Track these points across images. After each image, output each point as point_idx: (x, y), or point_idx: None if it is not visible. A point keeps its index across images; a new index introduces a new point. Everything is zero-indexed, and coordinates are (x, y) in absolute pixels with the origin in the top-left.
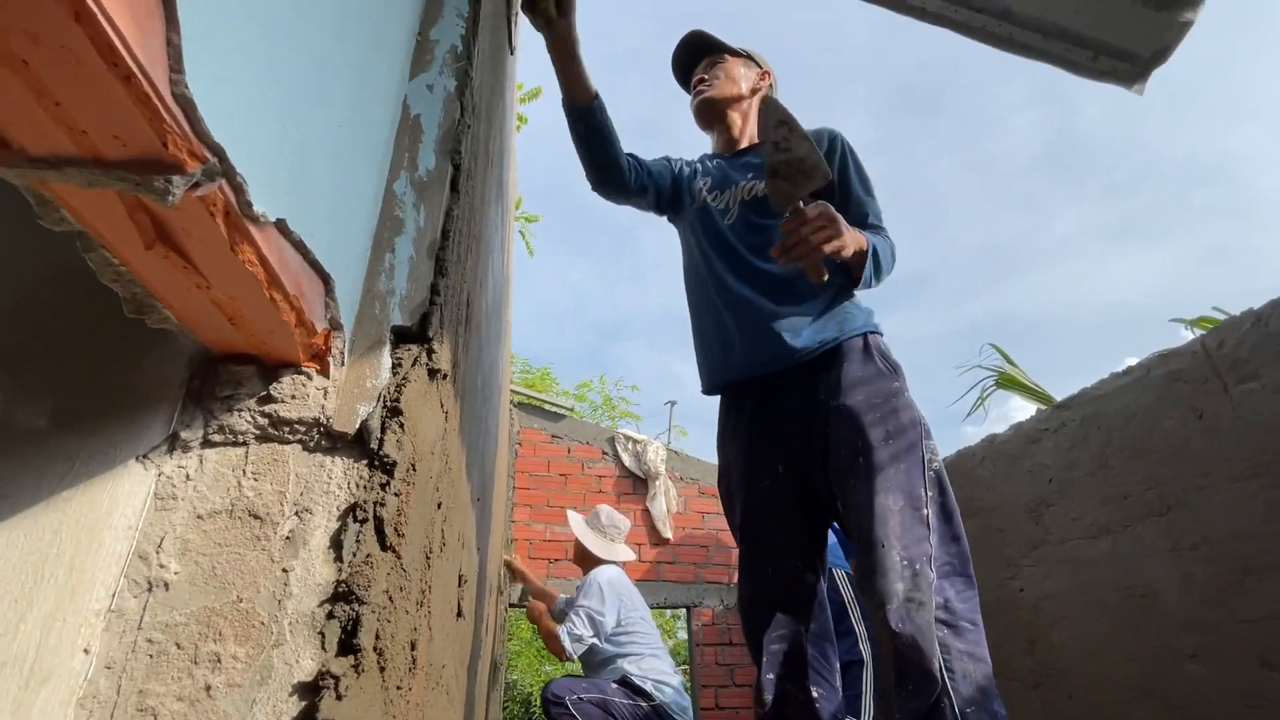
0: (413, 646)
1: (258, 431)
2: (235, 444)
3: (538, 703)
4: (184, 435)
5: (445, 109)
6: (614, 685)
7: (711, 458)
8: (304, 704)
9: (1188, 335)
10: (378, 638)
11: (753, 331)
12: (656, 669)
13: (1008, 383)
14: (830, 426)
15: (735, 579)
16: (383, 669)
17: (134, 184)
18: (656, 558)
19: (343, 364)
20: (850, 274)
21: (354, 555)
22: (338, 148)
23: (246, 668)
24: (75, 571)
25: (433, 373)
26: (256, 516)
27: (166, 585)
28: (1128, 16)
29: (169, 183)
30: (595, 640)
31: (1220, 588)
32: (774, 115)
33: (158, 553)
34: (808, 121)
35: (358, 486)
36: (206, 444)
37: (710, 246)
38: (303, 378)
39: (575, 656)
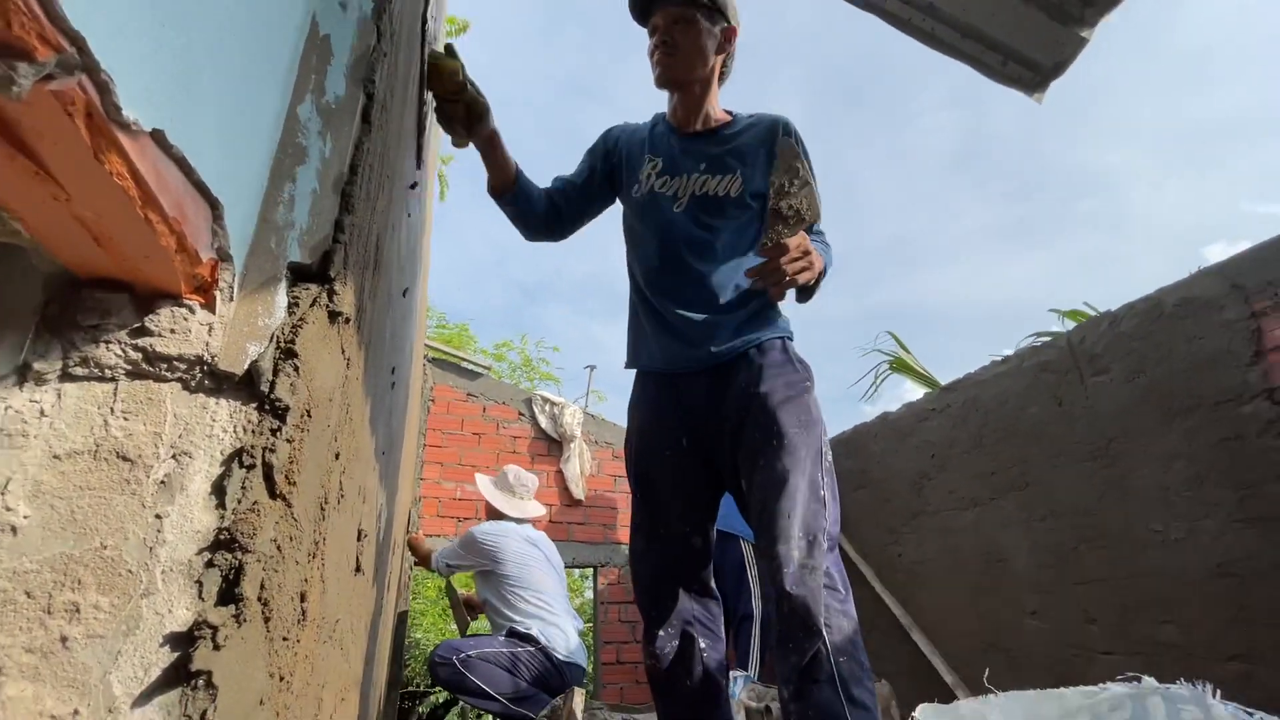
0: (303, 598)
1: (129, 367)
2: (101, 379)
3: None
4: (38, 366)
5: (359, 32)
6: (501, 639)
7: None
8: (176, 655)
9: (1057, 325)
10: (263, 588)
11: (679, 332)
12: (545, 615)
13: (900, 367)
14: (749, 412)
15: None
16: (267, 619)
17: None
18: (567, 518)
19: (231, 299)
20: (802, 290)
21: (239, 502)
22: (231, 59)
23: (110, 618)
24: None
25: (334, 315)
26: (126, 459)
27: (14, 530)
28: (1035, 27)
29: (13, 70)
30: (458, 569)
31: (1060, 555)
32: (786, 160)
33: (3, 495)
34: (747, 102)
35: (245, 431)
36: (66, 377)
37: (653, 234)
38: (184, 311)
39: (437, 572)
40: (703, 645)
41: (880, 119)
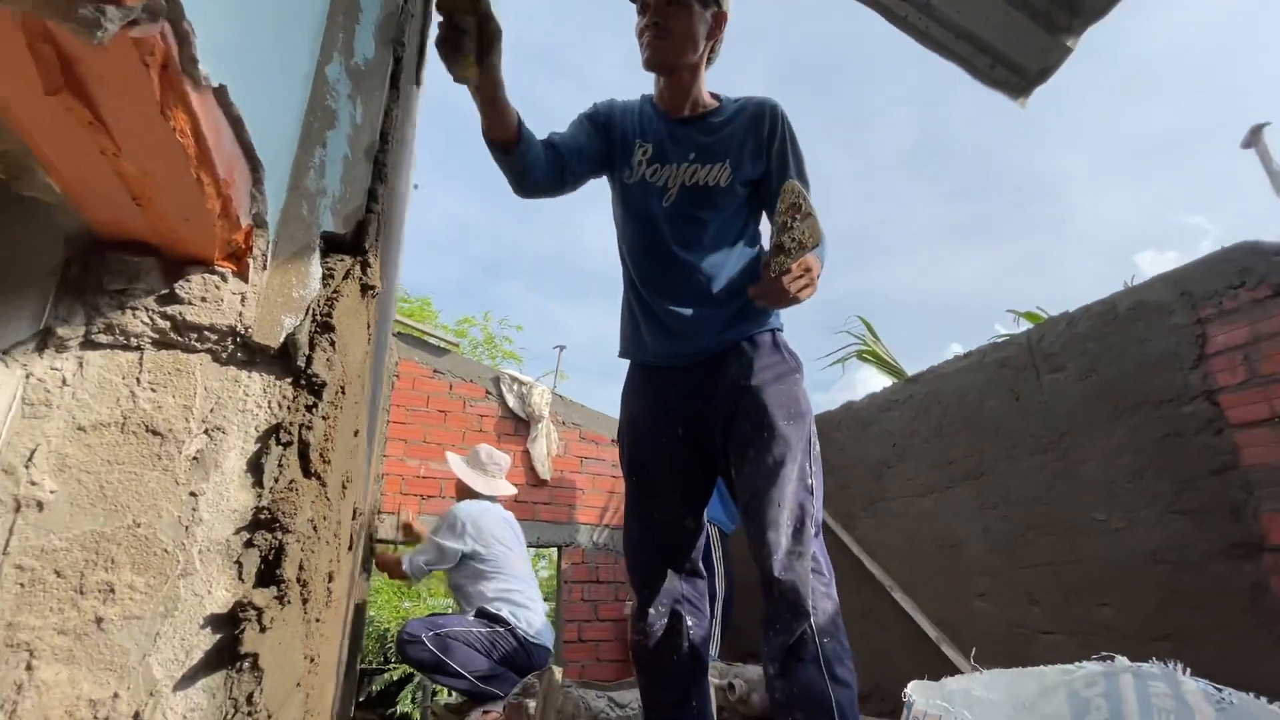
0: (330, 579)
1: (156, 335)
2: (126, 347)
3: (393, 638)
4: (60, 332)
5: None
6: (471, 617)
7: (594, 404)
8: (219, 636)
9: (1012, 325)
10: (301, 569)
11: (670, 327)
12: (517, 597)
13: (868, 355)
14: (740, 404)
15: (605, 520)
16: (305, 601)
17: (55, 8)
18: (533, 498)
19: (264, 268)
20: None
21: (276, 481)
22: (275, 15)
23: (147, 598)
24: None
25: (365, 289)
26: (156, 433)
27: (40, 505)
28: (1024, 34)
29: (100, 14)
30: (438, 567)
31: (1009, 540)
32: (789, 198)
33: (28, 467)
34: (712, 87)
35: (280, 406)
36: (89, 344)
37: (642, 225)
38: (216, 279)
39: (412, 576)
40: (690, 623)
41: (842, 112)
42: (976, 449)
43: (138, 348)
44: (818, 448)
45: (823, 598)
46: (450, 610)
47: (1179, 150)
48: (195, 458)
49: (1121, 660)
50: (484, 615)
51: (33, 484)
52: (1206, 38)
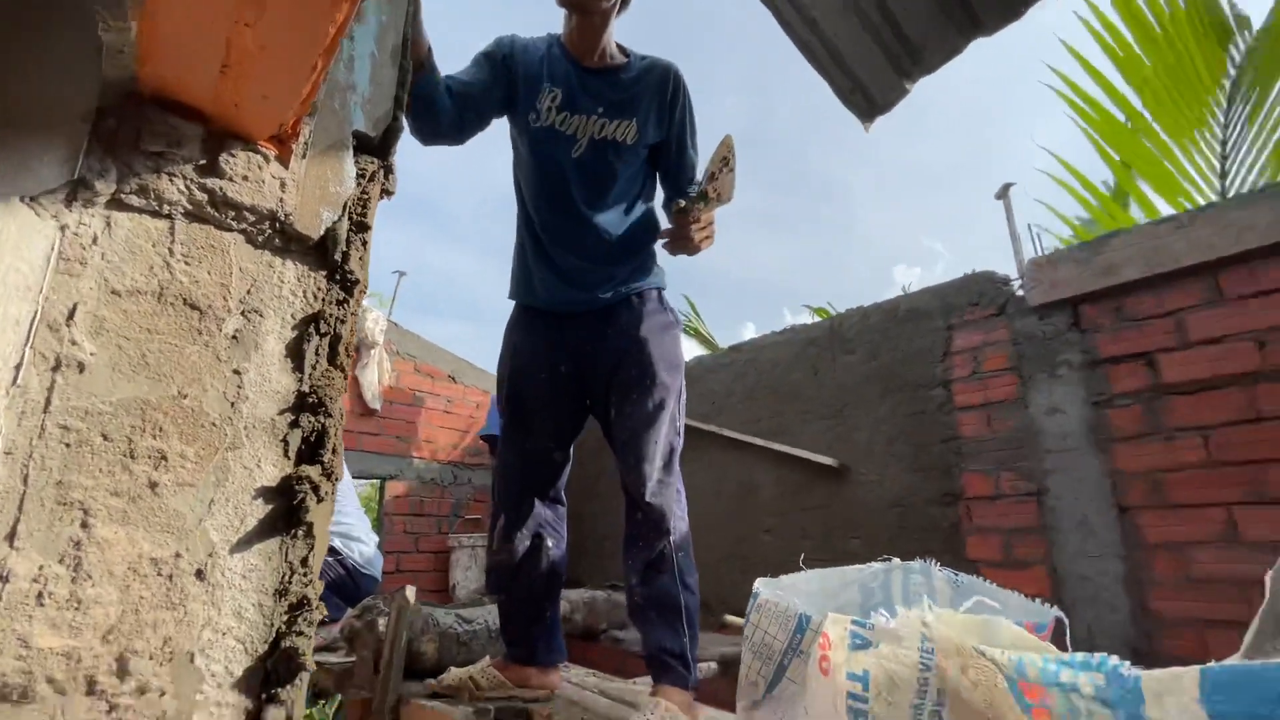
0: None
1: (190, 206)
2: (157, 214)
3: None
4: (97, 185)
5: None
6: None
7: (431, 336)
8: (271, 506)
9: (807, 315)
10: (334, 452)
11: (569, 277)
12: (347, 529)
13: (690, 330)
14: (628, 353)
15: (435, 455)
16: (336, 480)
17: None
18: (359, 428)
19: (304, 157)
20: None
21: (314, 367)
22: None
23: (198, 468)
24: None
25: (385, 194)
26: (194, 307)
27: (81, 366)
28: (879, 69)
29: None
30: None
31: (796, 487)
32: (722, 151)
33: (68, 326)
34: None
35: (314, 297)
36: (117, 204)
37: (547, 173)
38: (259, 159)
39: None
40: (550, 544)
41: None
42: (778, 412)
43: (169, 216)
44: (685, 396)
45: (679, 520)
46: None
47: (934, 183)
48: (235, 337)
49: (896, 561)
50: None
51: (73, 343)
52: (968, 94)
